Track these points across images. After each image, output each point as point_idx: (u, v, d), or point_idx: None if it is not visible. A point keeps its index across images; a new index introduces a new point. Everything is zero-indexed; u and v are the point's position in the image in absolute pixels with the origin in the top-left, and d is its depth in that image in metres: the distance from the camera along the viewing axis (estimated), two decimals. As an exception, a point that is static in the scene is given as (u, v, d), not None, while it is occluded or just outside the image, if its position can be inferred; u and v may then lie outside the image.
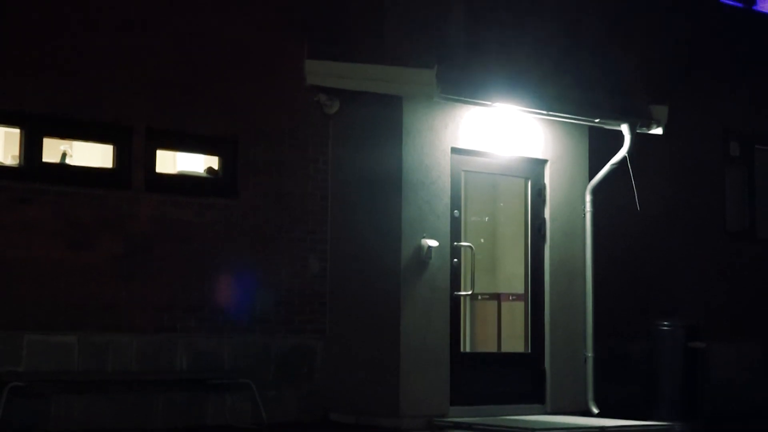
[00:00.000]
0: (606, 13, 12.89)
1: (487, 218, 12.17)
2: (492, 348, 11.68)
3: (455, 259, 10.91)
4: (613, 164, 11.43)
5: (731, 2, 14.34)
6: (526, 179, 11.61)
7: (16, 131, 9.45)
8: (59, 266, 9.25)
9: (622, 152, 11.37)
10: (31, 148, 9.34)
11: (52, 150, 10.03)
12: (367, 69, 10.45)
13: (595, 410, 11.24)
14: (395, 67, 10.47)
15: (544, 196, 11.58)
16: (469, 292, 11.08)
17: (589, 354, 11.41)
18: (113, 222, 9.54)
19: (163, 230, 9.76)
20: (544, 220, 11.56)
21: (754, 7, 14.61)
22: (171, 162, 10.96)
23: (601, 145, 11.77)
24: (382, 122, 10.64)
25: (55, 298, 9.23)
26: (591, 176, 11.69)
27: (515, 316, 11.56)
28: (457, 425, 10.18)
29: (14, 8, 9.21)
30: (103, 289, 9.44)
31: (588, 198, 11.60)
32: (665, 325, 11.63)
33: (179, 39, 9.97)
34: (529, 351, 11.38)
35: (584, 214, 11.61)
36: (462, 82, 10.36)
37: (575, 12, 12.50)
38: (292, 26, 10.58)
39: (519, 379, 11.19)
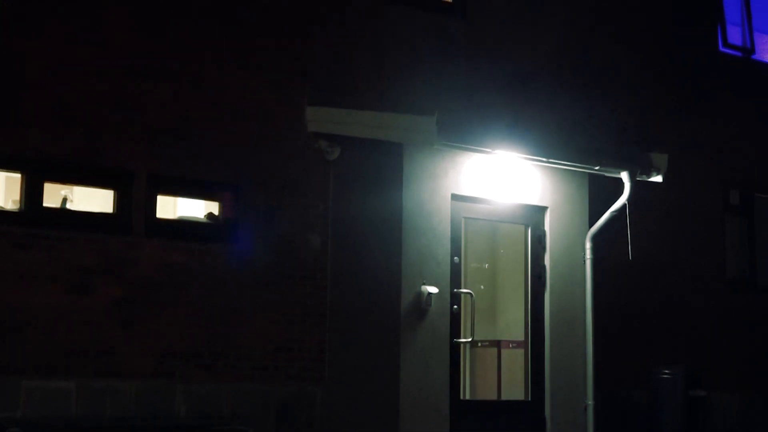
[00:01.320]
0: (605, 64, 12.96)
1: (487, 265, 12.17)
2: (492, 395, 11.63)
3: (455, 306, 10.89)
4: (612, 212, 11.44)
5: (731, 51, 14.42)
6: (526, 226, 11.62)
7: (17, 176, 9.47)
8: (58, 311, 9.22)
9: (622, 200, 11.38)
10: (31, 192, 9.35)
11: (53, 195, 10.04)
12: (367, 116, 10.49)
13: (596, 459, 11.20)
14: (396, 114, 10.51)
15: (544, 243, 11.59)
16: (469, 339, 11.05)
17: (590, 402, 11.36)
18: (113, 267, 9.52)
19: (163, 275, 9.75)
20: (544, 267, 11.55)
21: (753, 57, 14.69)
22: (171, 207, 10.96)
23: (601, 192, 11.79)
24: (383, 168, 10.66)
25: (54, 344, 9.19)
26: (591, 223, 11.70)
27: (515, 363, 11.53)
28: (457, 473, 10.13)
29: (16, 53, 9.25)
30: (102, 334, 9.41)
31: (588, 245, 11.60)
32: (666, 373, 11.60)
33: (180, 85, 10.01)
34: (529, 399, 11.34)
35: (584, 261, 11.60)
36: (462, 130, 10.40)
37: (571, 69, 12.57)
38: (292, 73, 10.63)
39: (519, 427, 11.13)
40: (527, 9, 12.34)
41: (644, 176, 11.54)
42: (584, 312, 11.55)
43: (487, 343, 11.55)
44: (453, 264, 10.91)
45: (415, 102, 11.14)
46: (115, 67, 9.68)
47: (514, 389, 11.50)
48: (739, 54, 14.54)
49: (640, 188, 11.59)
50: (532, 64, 12.27)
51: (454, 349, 10.82)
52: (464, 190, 11.04)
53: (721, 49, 14.30)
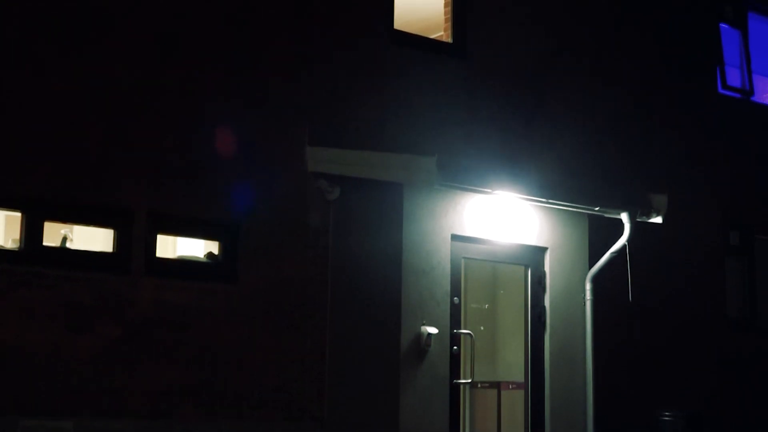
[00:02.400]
0: (605, 104, 13.00)
1: (487, 305, 12.15)
2: (492, 437, 11.58)
3: (455, 347, 10.86)
4: (612, 252, 11.43)
5: (730, 93, 14.47)
6: (526, 266, 11.61)
7: (17, 215, 9.47)
8: (57, 350, 9.19)
9: (622, 241, 11.38)
10: (31, 231, 9.34)
11: (53, 234, 10.03)
12: (368, 156, 10.51)
13: (596, 501, 11.13)
14: (396, 154, 10.53)
15: (544, 284, 11.57)
16: (469, 381, 11.01)
17: (590, 444, 11.31)
18: (112, 306, 9.50)
19: (163, 315, 9.73)
20: (544, 307, 11.53)
21: (753, 98, 14.74)
22: (171, 246, 10.95)
23: (601, 233, 11.80)
24: (383, 208, 10.67)
25: (52, 382, 9.16)
26: (591, 264, 11.69)
27: (515, 404, 11.47)
28: None
29: (16, 91, 9.28)
30: (101, 373, 9.37)
31: (588, 286, 11.58)
32: (667, 416, 11.54)
33: (181, 123, 10.03)
34: (530, 440, 11.29)
35: (584, 302, 11.58)
36: (462, 170, 10.41)
37: (571, 111, 12.61)
38: (293, 112, 10.66)
39: (519, 468, 11.08)
40: (528, 51, 12.39)
41: (644, 217, 11.55)
42: (585, 353, 11.52)
43: (487, 385, 11.51)
44: (453, 304, 10.89)
45: (415, 142, 11.17)
46: (115, 105, 9.71)
47: (514, 430, 11.45)
48: (738, 96, 14.59)
49: (640, 229, 11.60)
50: (532, 105, 12.30)
51: (454, 390, 10.78)
52: (464, 230, 11.04)
53: (721, 90, 14.35)
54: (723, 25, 14.59)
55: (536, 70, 12.42)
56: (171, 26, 10.09)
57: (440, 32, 12.21)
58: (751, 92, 14.72)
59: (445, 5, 12.01)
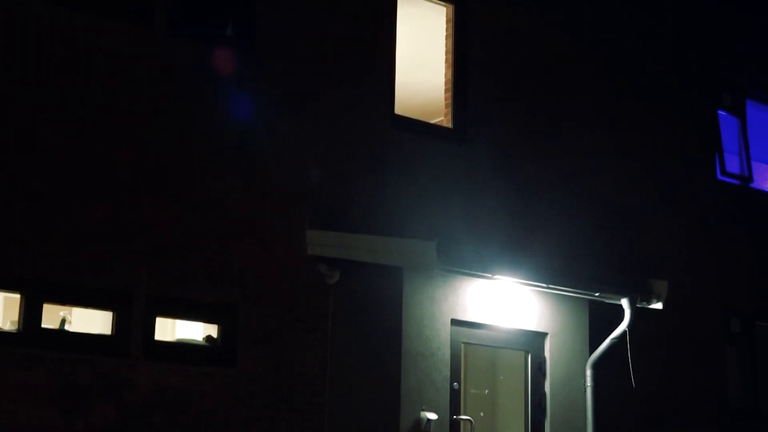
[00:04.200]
0: (606, 190, 13.05)
1: (486, 391, 12.07)
2: None
3: (454, 433, 10.77)
4: (613, 339, 11.39)
5: (729, 179, 14.54)
6: (526, 352, 11.56)
7: (16, 296, 9.45)
8: (53, 434, 9.12)
9: (622, 327, 11.34)
10: (30, 313, 9.31)
11: (52, 316, 10.00)
12: (368, 240, 10.52)
13: None
14: (396, 239, 10.54)
15: (545, 370, 11.51)
16: (469, 467, 10.90)
17: None
18: (110, 389, 9.44)
19: (161, 398, 9.66)
20: (544, 393, 11.46)
21: (752, 185, 14.80)
22: (170, 328, 10.91)
23: (601, 318, 11.77)
24: (383, 292, 10.65)
25: (47, 467, 9.07)
26: (592, 350, 11.65)
27: (515, 492, 11.36)
28: None
29: (17, 172, 9.31)
30: (97, 458, 9.29)
31: (589, 372, 11.53)
32: (668, 504, 11.41)
33: (181, 206, 10.06)
34: None
35: (585, 389, 11.51)
36: (462, 254, 10.41)
37: (571, 196, 12.66)
38: (294, 196, 10.69)
39: None
40: (527, 136, 12.48)
41: (644, 303, 11.52)
42: (585, 440, 11.43)
43: (486, 471, 11.39)
44: (452, 390, 10.82)
45: (415, 225, 11.20)
46: (117, 187, 9.74)
47: None
48: (737, 182, 14.66)
49: (640, 315, 11.57)
50: (532, 190, 12.35)
51: (453, 476, 10.68)
52: (464, 315, 11.01)
53: (720, 177, 14.42)
54: (722, 113, 14.72)
55: (535, 155, 12.48)
56: (172, 108, 10.16)
57: (440, 117, 12.31)
58: (750, 179, 14.79)
59: (446, 91, 12.13)
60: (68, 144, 9.55)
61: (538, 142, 12.57)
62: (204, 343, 10.30)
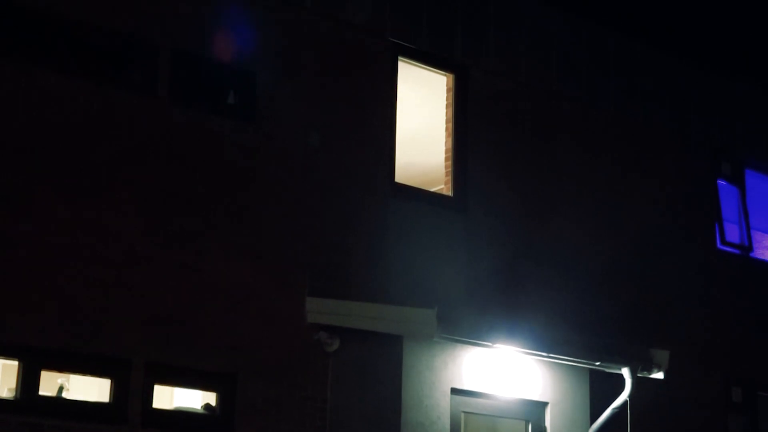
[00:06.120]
0: (606, 259, 13.04)
1: (487, 461, 11.97)
2: None
3: (454, 504, 10.67)
4: (614, 408, 11.31)
5: (729, 249, 14.54)
6: (527, 421, 11.49)
7: (14, 363, 9.41)
8: (48, 503, 9.02)
9: (623, 396, 11.28)
10: (28, 380, 9.26)
11: (50, 383, 9.94)
12: (367, 308, 10.49)
13: None
14: (395, 306, 10.52)
15: (545, 440, 11.44)
16: None
17: None
18: (107, 458, 9.37)
19: (157, 467, 9.58)
20: (545, 464, 11.37)
21: (752, 254, 14.80)
22: (168, 396, 10.84)
23: (602, 387, 11.71)
24: (383, 361, 10.61)
25: None
26: (592, 419, 11.57)
27: None
28: None
29: (16, 238, 9.31)
30: None
31: (589, 442, 11.45)
32: None
33: (180, 275, 10.04)
34: None
35: (586, 459, 11.43)
36: (462, 323, 10.38)
37: (571, 263, 12.66)
38: (293, 263, 10.68)
39: None
40: (527, 205, 12.49)
41: (645, 372, 11.46)
42: None
43: None
44: (452, 460, 10.74)
45: (415, 293, 11.17)
46: (117, 255, 9.73)
47: None
48: (737, 251, 14.66)
49: (641, 384, 11.50)
50: (531, 258, 12.35)
51: None
52: (464, 384, 10.95)
53: (720, 246, 14.43)
54: (721, 182, 14.76)
55: (535, 223, 12.50)
56: (173, 176, 10.18)
57: (441, 185, 12.34)
58: (750, 248, 14.79)
59: (446, 159, 12.17)
60: (68, 210, 9.56)
61: (537, 209, 12.58)
62: (202, 411, 10.23)
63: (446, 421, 10.70)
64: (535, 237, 12.45)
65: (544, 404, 11.52)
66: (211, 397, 10.27)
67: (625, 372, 11.31)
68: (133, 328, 9.71)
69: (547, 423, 11.48)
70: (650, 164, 13.91)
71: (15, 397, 9.25)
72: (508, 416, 11.48)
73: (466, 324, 10.42)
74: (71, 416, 9.35)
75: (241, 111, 10.72)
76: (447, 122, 12.25)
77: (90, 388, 10.40)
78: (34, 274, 9.33)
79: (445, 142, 12.21)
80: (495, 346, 10.64)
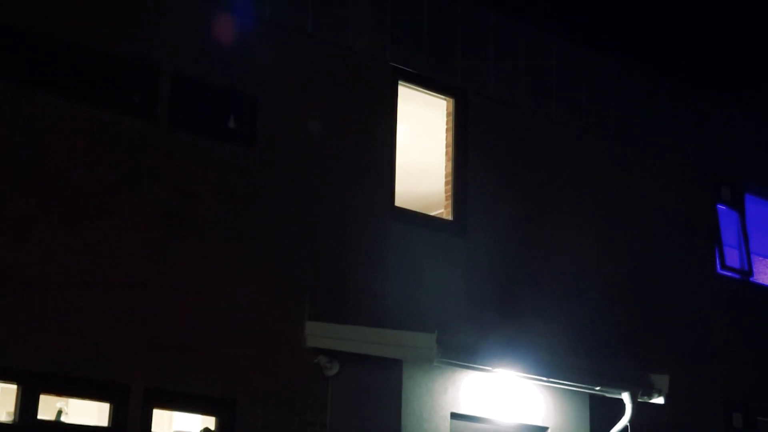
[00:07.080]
0: (606, 283, 13.04)
1: (486, 486, 11.92)
2: None
3: None
4: (614, 433, 11.30)
5: (729, 273, 14.53)
6: (527, 447, 11.45)
7: (13, 387, 9.38)
8: None
9: (624, 421, 11.24)
10: (26, 404, 9.23)
11: (48, 407, 9.91)
12: (367, 332, 10.47)
13: None
14: (396, 331, 10.50)
15: (545, 465, 11.39)
16: None
17: None
18: (105, 482, 9.34)
19: (156, 492, 9.54)
20: (545, 489, 11.32)
21: (752, 279, 14.79)
22: (167, 421, 10.80)
23: (602, 412, 11.68)
24: (382, 385, 10.58)
25: None
26: (593, 445, 11.54)
27: None
28: None
29: (17, 262, 9.31)
30: None
31: (590, 467, 11.40)
32: None
33: (180, 299, 10.03)
34: None
35: (586, 484, 11.38)
36: (462, 347, 10.36)
37: (570, 287, 12.65)
38: (293, 288, 10.67)
39: None
40: (526, 229, 12.50)
41: (645, 397, 11.43)
42: None
43: None
44: (452, 485, 10.70)
45: (415, 317, 11.15)
46: (117, 280, 9.72)
47: None
48: (737, 276, 14.65)
49: (641, 409, 11.47)
50: (531, 281, 12.34)
51: None
52: (464, 409, 10.92)
53: (720, 271, 14.42)
54: (721, 207, 14.76)
55: (535, 247, 12.49)
56: (173, 201, 10.19)
57: (441, 209, 12.34)
58: (750, 273, 14.78)
59: (446, 183, 12.18)
60: (68, 235, 9.56)
61: (537, 233, 12.58)
62: (201, 436, 10.21)
63: (446, 446, 10.67)
64: (534, 261, 12.44)
65: (544, 429, 11.49)
66: (210, 421, 10.23)
67: (626, 397, 11.28)
68: (132, 352, 9.69)
69: (547, 448, 11.45)
70: (650, 189, 13.92)
71: (14, 421, 9.22)
72: (508, 441, 11.45)
73: (466, 348, 10.40)
74: (70, 440, 9.33)
75: (242, 135, 10.74)
76: (447, 146, 12.27)
77: (89, 413, 10.36)
78: (33, 298, 9.31)
79: (445, 167, 12.23)
80: (495, 370, 10.61)
